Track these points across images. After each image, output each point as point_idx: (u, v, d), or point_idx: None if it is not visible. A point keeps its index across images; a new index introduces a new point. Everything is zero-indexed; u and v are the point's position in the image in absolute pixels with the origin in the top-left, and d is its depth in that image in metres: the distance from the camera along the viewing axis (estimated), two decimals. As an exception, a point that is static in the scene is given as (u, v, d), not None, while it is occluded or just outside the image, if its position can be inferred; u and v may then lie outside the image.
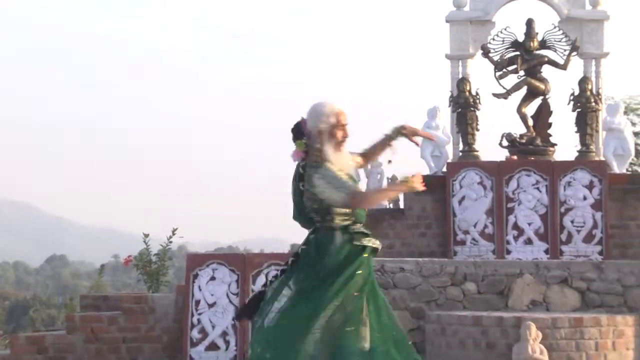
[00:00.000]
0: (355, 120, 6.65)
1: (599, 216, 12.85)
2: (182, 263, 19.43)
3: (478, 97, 13.84)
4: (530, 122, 13.86)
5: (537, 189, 12.95)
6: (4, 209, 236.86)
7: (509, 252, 12.83)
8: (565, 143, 19.63)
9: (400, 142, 6.11)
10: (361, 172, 12.74)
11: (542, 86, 13.87)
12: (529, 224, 12.89)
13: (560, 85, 14.02)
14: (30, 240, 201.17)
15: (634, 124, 19.06)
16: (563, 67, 13.83)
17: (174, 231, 11.53)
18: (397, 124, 6.13)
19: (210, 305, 10.12)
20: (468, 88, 13.82)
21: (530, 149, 13.59)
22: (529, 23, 13.95)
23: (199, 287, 10.17)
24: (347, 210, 5.87)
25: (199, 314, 10.12)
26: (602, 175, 12.95)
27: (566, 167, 13.06)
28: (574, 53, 13.81)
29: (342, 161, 5.92)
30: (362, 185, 9.27)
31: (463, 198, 13.11)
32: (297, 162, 5.98)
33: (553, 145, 13.84)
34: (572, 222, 12.86)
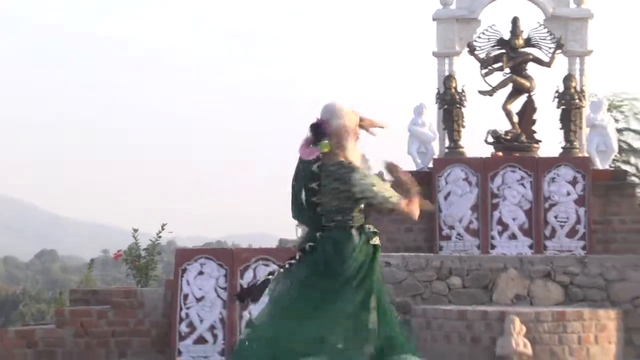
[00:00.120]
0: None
1: (582, 212, 12.92)
2: (170, 258, 19.48)
3: (464, 94, 13.92)
4: (515, 119, 13.95)
5: (522, 184, 13.02)
6: (2, 207, 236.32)
7: (493, 247, 12.90)
8: (549, 140, 19.69)
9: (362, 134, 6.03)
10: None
11: (527, 83, 13.96)
12: (514, 220, 12.96)
13: (545, 83, 14.16)
14: (24, 237, 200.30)
15: (617, 121, 19.16)
16: (548, 64, 13.91)
17: (163, 226, 11.60)
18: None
19: (199, 300, 10.14)
20: (454, 85, 13.90)
21: (515, 146, 13.67)
22: (515, 21, 14.05)
23: (187, 281, 10.17)
24: (362, 208, 5.84)
25: (187, 308, 10.13)
26: (586, 172, 13.04)
27: (550, 163, 13.14)
28: (559, 51, 13.91)
29: (359, 160, 5.90)
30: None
31: (449, 194, 13.17)
32: (304, 162, 5.86)
33: (537, 141, 13.93)
34: (555, 217, 12.94)
